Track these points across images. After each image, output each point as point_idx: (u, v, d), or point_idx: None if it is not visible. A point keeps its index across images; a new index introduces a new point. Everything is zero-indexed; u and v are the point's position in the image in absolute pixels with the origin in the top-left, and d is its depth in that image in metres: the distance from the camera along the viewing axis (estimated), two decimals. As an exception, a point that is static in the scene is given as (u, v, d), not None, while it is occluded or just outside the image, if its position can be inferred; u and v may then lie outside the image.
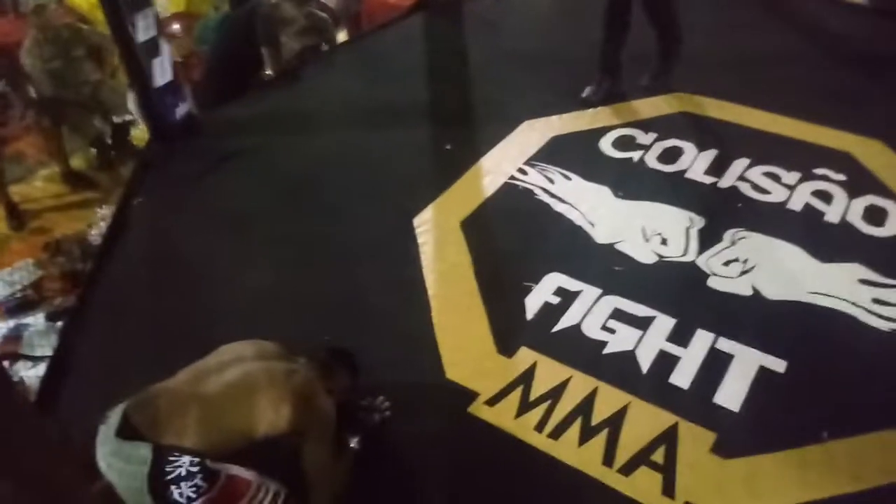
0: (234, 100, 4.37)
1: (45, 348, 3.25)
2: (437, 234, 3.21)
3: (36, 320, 3.50)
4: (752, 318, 2.72)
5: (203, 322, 2.80)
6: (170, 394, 1.86)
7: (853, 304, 2.73)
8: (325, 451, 1.94)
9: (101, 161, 4.86)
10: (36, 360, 3.22)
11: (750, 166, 3.46)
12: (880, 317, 2.68)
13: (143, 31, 3.64)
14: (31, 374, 3.16)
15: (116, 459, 1.75)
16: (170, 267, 3.19)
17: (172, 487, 1.72)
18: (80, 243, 3.78)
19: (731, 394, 2.42)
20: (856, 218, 3.14)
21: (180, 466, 1.72)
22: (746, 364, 2.52)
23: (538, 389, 2.49)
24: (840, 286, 2.80)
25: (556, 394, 2.47)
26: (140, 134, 4.72)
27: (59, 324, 3.34)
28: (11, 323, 3.51)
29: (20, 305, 3.60)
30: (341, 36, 5.48)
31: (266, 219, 3.37)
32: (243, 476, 1.82)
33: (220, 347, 2.04)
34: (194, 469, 1.73)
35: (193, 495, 1.72)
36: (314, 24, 4.78)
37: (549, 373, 2.54)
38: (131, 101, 4.36)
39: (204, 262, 3.17)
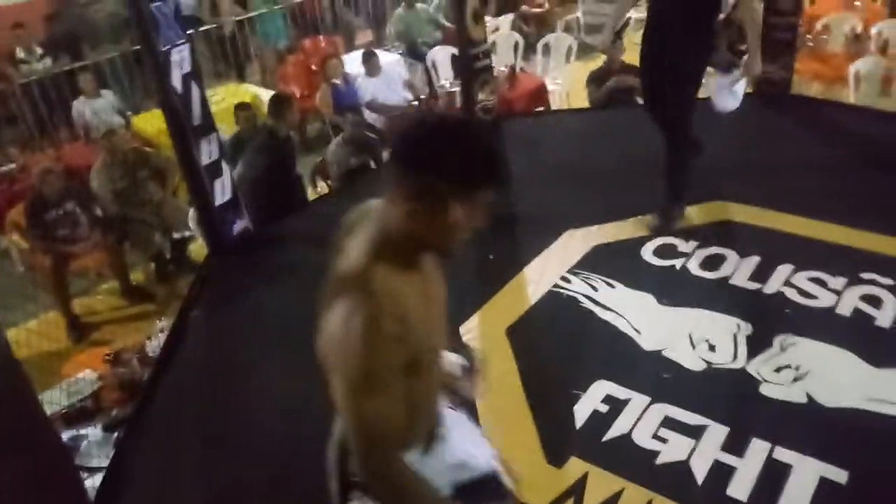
0: (283, 216, 4.59)
1: (102, 459, 3.30)
2: (482, 342, 3.26)
3: (94, 431, 3.58)
4: (809, 426, 2.66)
5: (251, 431, 2.85)
6: None
7: (912, 411, 2.66)
8: None
9: (159, 275, 5.08)
10: (92, 470, 3.27)
11: (794, 272, 3.46)
12: (942, 424, 2.60)
13: (206, 154, 3.92)
14: (87, 484, 3.20)
15: None
16: (223, 378, 3.28)
17: None
18: (139, 354, 3.90)
19: (793, 508, 2.35)
20: (910, 322, 3.11)
21: None
22: (806, 475, 2.45)
23: (590, 501, 2.45)
24: (897, 392, 2.74)
25: (608, 506, 2.42)
26: (197, 249, 4.96)
27: (116, 434, 3.41)
28: (70, 433, 3.59)
29: (78, 416, 3.69)
30: (385, 155, 5.78)
31: (312, 332, 3.46)
32: None
33: None
34: None
35: None
36: (363, 143, 5.07)
37: (601, 484, 2.50)
38: (192, 218, 4.62)
39: (254, 373, 3.25)
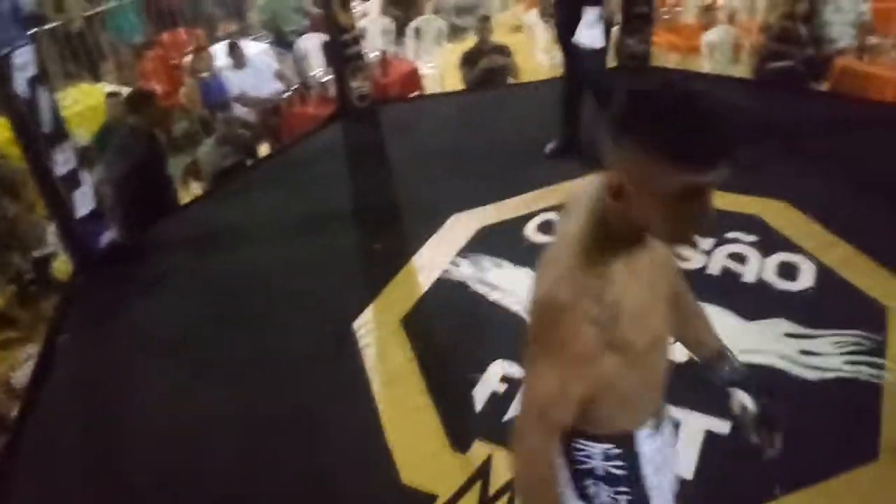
0: (154, 221, 4.34)
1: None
2: (378, 335, 3.23)
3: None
4: (693, 383, 2.80)
5: (139, 459, 2.69)
6: None
7: (782, 357, 2.87)
8: None
9: (21, 298, 4.68)
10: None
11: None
12: (808, 367, 2.81)
13: (62, 163, 3.63)
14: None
15: None
16: (102, 404, 3.07)
17: None
18: (4, 387, 3.60)
19: (683, 461, 2.47)
20: (771, 275, 3.34)
21: None
22: (694, 429, 2.58)
23: (497, 482, 2.48)
24: (767, 342, 2.94)
25: (514, 484, 2.46)
26: (61, 266, 4.61)
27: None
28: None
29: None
30: (263, 150, 5.59)
31: (199, 341, 3.32)
32: None
33: None
34: None
35: None
36: (237, 141, 4.87)
37: (506, 464, 2.54)
38: (52, 234, 4.28)
39: (137, 394, 3.07)
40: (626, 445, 1.45)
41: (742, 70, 5.98)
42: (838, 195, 3.74)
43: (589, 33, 3.99)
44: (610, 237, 1.23)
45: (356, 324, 3.28)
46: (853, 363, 2.80)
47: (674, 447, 1.63)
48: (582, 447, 1.45)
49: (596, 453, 1.45)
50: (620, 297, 1.21)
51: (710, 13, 6.36)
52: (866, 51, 5.30)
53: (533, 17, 6.82)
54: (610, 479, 1.47)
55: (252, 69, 5.92)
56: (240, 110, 5.67)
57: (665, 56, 6.20)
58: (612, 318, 1.20)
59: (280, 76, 6.17)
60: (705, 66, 5.92)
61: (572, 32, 4.04)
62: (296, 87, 6.11)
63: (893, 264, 3.24)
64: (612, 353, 1.24)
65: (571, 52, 4.19)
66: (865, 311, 3.05)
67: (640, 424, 1.46)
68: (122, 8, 7.36)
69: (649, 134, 1.12)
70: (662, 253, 1.34)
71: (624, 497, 1.47)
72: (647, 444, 1.47)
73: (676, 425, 1.67)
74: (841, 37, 5.58)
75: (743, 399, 1.62)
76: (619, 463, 1.46)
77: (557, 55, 6.76)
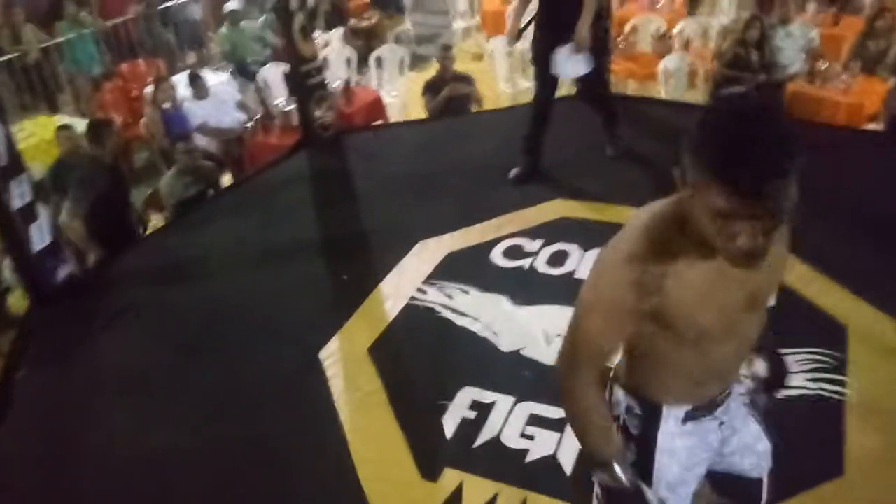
0: (119, 253, 4.27)
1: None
2: (345, 365, 3.19)
3: None
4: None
5: (99, 499, 2.61)
6: None
7: (745, 376, 2.90)
8: None
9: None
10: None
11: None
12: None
13: (17, 197, 3.55)
14: None
15: None
16: (61, 441, 2.97)
17: None
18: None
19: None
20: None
21: None
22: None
23: (468, 510, 2.46)
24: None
25: (486, 512, 2.44)
26: (18, 301, 4.48)
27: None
28: None
29: None
30: (226, 180, 5.54)
31: (163, 375, 3.24)
32: None
33: None
34: None
35: None
36: (199, 171, 4.82)
37: (477, 491, 2.52)
38: (7, 268, 4.17)
39: (97, 431, 2.98)
40: (650, 412, 1.53)
41: (698, 96, 6.15)
42: (795, 216, 3.83)
43: (566, 66, 4.13)
44: (681, 228, 1.27)
45: (322, 354, 3.24)
46: (816, 381, 2.85)
47: (732, 455, 1.69)
48: (614, 392, 1.60)
49: (621, 401, 1.58)
50: (672, 278, 1.27)
51: (665, 41, 6.54)
52: (817, 76, 5.49)
53: (494, 44, 6.92)
54: (625, 432, 1.58)
55: (214, 99, 5.89)
56: (202, 141, 5.63)
57: (623, 83, 6.34)
58: (656, 289, 1.27)
59: (242, 106, 6.15)
60: (662, 92, 6.07)
61: (548, 63, 4.16)
62: (258, 117, 6.09)
63: (851, 283, 3.33)
64: (653, 323, 1.33)
65: (546, 81, 4.30)
66: (826, 329, 3.11)
67: (674, 403, 1.51)
68: (80, 39, 7.28)
69: (703, 144, 1.14)
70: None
71: (631, 454, 1.57)
72: (675, 429, 1.53)
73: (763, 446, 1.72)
74: (792, 62, 5.78)
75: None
76: (636, 423, 1.56)
77: (519, 83, 6.90)
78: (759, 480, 1.77)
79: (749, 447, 1.70)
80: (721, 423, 1.59)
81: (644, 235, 1.31)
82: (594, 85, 4.54)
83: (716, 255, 1.24)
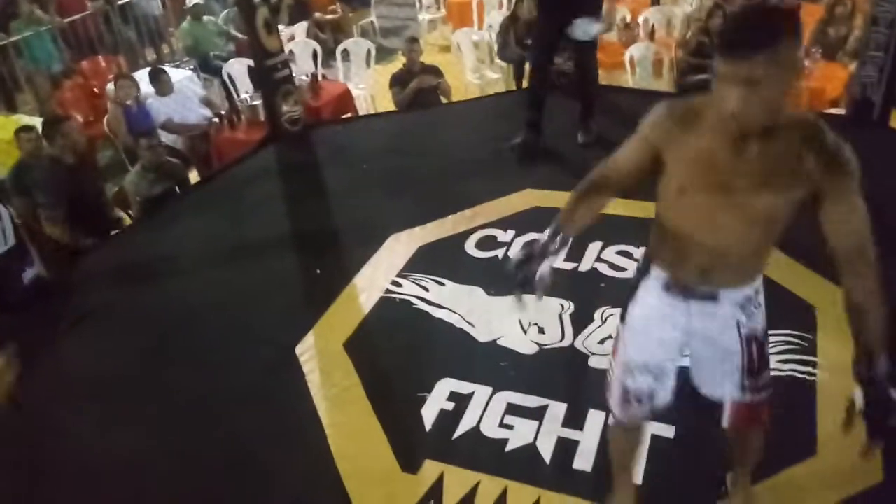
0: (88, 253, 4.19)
1: None
2: (321, 360, 3.16)
3: None
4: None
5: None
6: None
7: (719, 360, 2.94)
8: None
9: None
10: None
11: (604, 248, 3.71)
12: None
13: (-24, 201, 3.45)
14: None
15: None
16: (26, 448, 2.88)
17: None
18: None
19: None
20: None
21: None
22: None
23: (449, 501, 2.46)
24: (705, 345, 3.02)
25: (467, 502, 2.44)
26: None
27: None
28: None
29: None
30: (194, 177, 5.46)
31: (132, 378, 3.16)
32: None
33: None
34: None
35: None
36: (165, 168, 4.74)
37: (457, 481, 2.52)
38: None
39: (63, 437, 2.88)
40: (645, 266, 1.89)
41: (664, 84, 6.20)
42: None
43: (587, 28, 4.37)
44: (697, 112, 1.64)
45: (298, 350, 3.21)
46: (787, 362, 2.90)
47: (704, 335, 1.87)
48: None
49: (640, 259, 1.97)
50: (680, 141, 1.65)
51: (631, 30, 6.59)
52: (778, 63, 5.57)
53: (460, 36, 6.90)
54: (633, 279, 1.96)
55: (178, 96, 5.79)
56: (168, 138, 5.53)
57: (591, 72, 6.36)
58: (665, 135, 1.69)
59: (207, 102, 6.06)
60: (629, 81, 6.11)
61: (552, 37, 4.48)
62: (224, 112, 6.00)
63: (819, 266, 3.39)
64: (654, 163, 1.73)
65: (545, 48, 4.61)
66: (796, 311, 3.17)
67: (659, 267, 1.84)
68: (38, 36, 7.09)
69: (719, 34, 1.75)
70: (787, 153, 1.56)
71: (628, 298, 1.94)
72: (654, 289, 1.86)
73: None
74: (754, 50, 5.85)
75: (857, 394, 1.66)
76: (636, 272, 1.95)
77: (486, 74, 6.89)
78: (721, 404, 1.94)
79: (716, 359, 1.88)
80: (692, 316, 1.82)
81: (673, 104, 1.72)
82: (588, 66, 4.69)
83: (714, 141, 1.58)
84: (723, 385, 1.90)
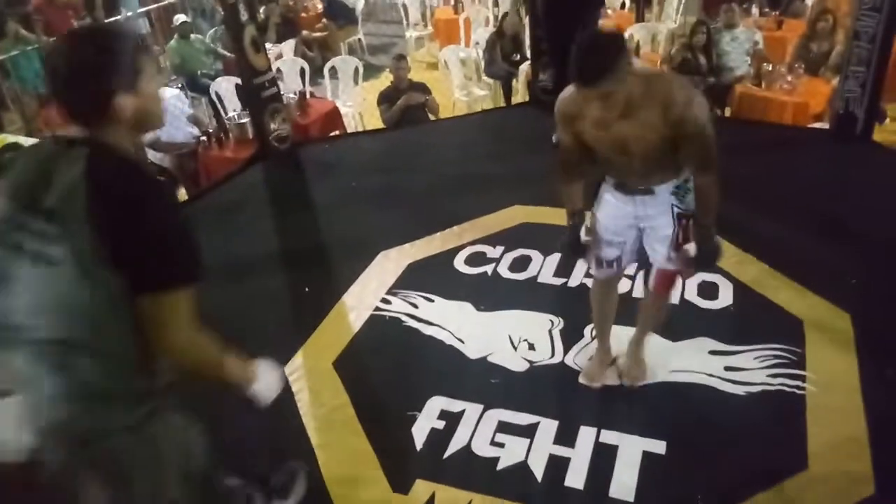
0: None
1: None
2: (310, 379, 3.14)
3: None
4: (626, 406, 2.86)
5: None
6: None
7: (710, 375, 2.95)
8: None
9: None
10: None
11: (593, 264, 3.72)
12: (734, 382, 2.90)
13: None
14: None
15: None
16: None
17: None
18: None
19: (623, 484, 2.50)
20: (692, 296, 3.45)
21: None
22: (631, 452, 2.62)
23: (441, 521, 2.44)
24: (694, 360, 3.03)
25: (459, 522, 2.42)
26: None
27: None
28: None
29: None
30: (181, 195, 5.44)
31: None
32: None
33: None
34: None
35: None
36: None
37: (449, 501, 2.50)
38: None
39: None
40: (601, 183, 2.59)
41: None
42: (748, 214, 3.92)
43: None
44: None
45: (287, 369, 3.18)
46: (776, 376, 2.91)
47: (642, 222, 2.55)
48: None
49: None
50: (579, 115, 2.31)
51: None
52: (763, 77, 5.64)
53: (447, 53, 6.94)
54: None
55: (165, 114, 5.76)
56: (155, 156, 5.51)
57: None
58: (560, 116, 2.38)
59: (195, 120, 6.04)
60: (616, 96, 6.14)
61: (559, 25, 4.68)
62: (211, 130, 5.99)
63: (805, 279, 3.41)
64: (580, 138, 2.37)
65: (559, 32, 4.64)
66: (783, 325, 3.18)
67: (610, 179, 2.53)
68: (25, 56, 7.08)
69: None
70: (634, 99, 2.17)
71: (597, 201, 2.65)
72: (608, 192, 2.55)
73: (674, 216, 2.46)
74: (738, 65, 5.94)
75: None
76: (601, 187, 2.61)
77: (474, 91, 6.93)
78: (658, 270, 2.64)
79: (655, 233, 2.51)
80: (637, 205, 2.47)
81: (561, 100, 2.38)
82: None
83: (593, 107, 2.25)
84: (656, 254, 2.56)
